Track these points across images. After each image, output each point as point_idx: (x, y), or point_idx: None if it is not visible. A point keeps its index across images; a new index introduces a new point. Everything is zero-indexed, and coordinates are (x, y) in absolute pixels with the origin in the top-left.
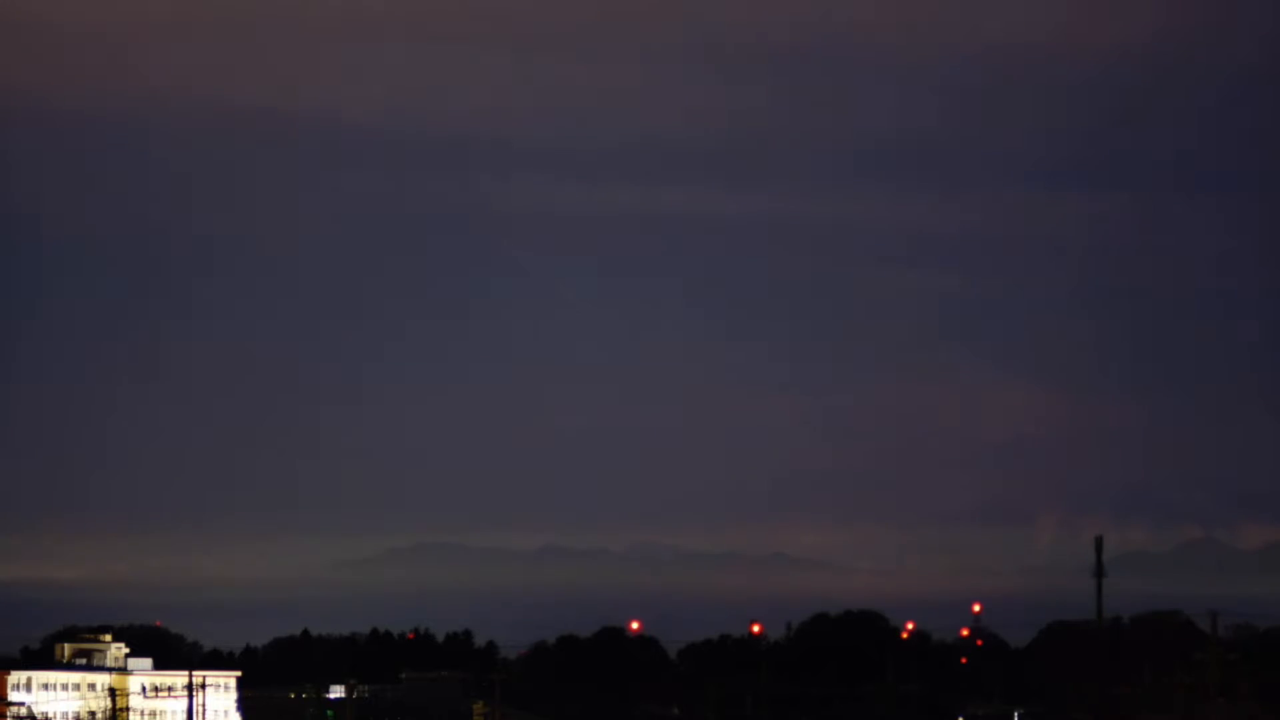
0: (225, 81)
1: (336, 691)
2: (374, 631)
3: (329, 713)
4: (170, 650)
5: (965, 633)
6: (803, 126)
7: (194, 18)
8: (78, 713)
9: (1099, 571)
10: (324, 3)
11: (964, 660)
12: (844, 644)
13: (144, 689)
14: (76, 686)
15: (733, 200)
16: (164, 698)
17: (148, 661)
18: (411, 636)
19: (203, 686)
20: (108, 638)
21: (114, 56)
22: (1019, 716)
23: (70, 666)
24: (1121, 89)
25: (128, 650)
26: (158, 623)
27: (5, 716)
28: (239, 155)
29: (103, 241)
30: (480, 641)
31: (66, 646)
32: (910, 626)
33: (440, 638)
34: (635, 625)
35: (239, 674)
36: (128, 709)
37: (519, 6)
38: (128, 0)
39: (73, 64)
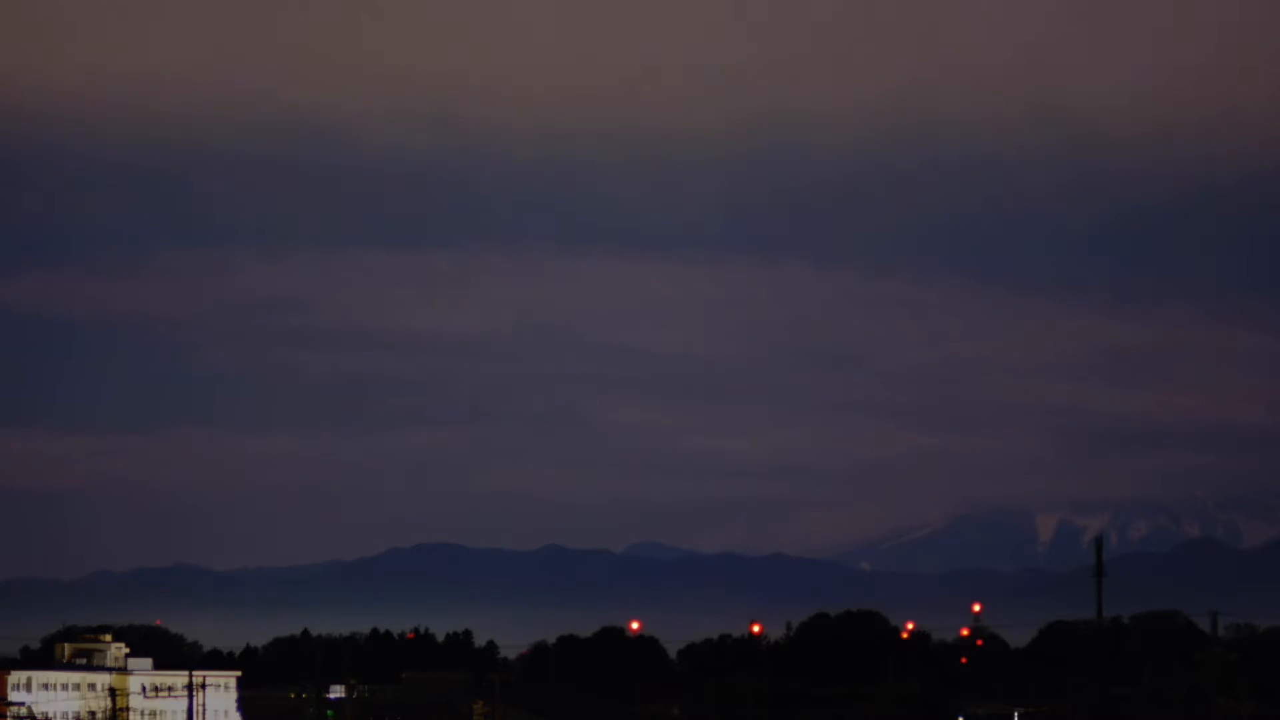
0: None
1: (336, 691)
2: (374, 631)
3: (329, 713)
4: (170, 650)
5: (965, 633)
6: None
7: None
8: (78, 713)
9: (1099, 571)
10: None
11: (964, 660)
12: (844, 643)
13: (144, 689)
14: (76, 686)
15: None
16: (164, 698)
17: (148, 661)
18: (411, 636)
19: (203, 686)
20: (108, 638)
21: None
22: (1019, 716)
23: (70, 666)
24: None
25: (128, 650)
26: (158, 622)
27: (5, 716)
28: None
29: None
30: (480, 641)
31: (66, 646)
32: (910, 626)
33: (440, 638)
34: (635, 625)
35: (239, 674)
36: (128, 709)
37: None
38: None
39: None
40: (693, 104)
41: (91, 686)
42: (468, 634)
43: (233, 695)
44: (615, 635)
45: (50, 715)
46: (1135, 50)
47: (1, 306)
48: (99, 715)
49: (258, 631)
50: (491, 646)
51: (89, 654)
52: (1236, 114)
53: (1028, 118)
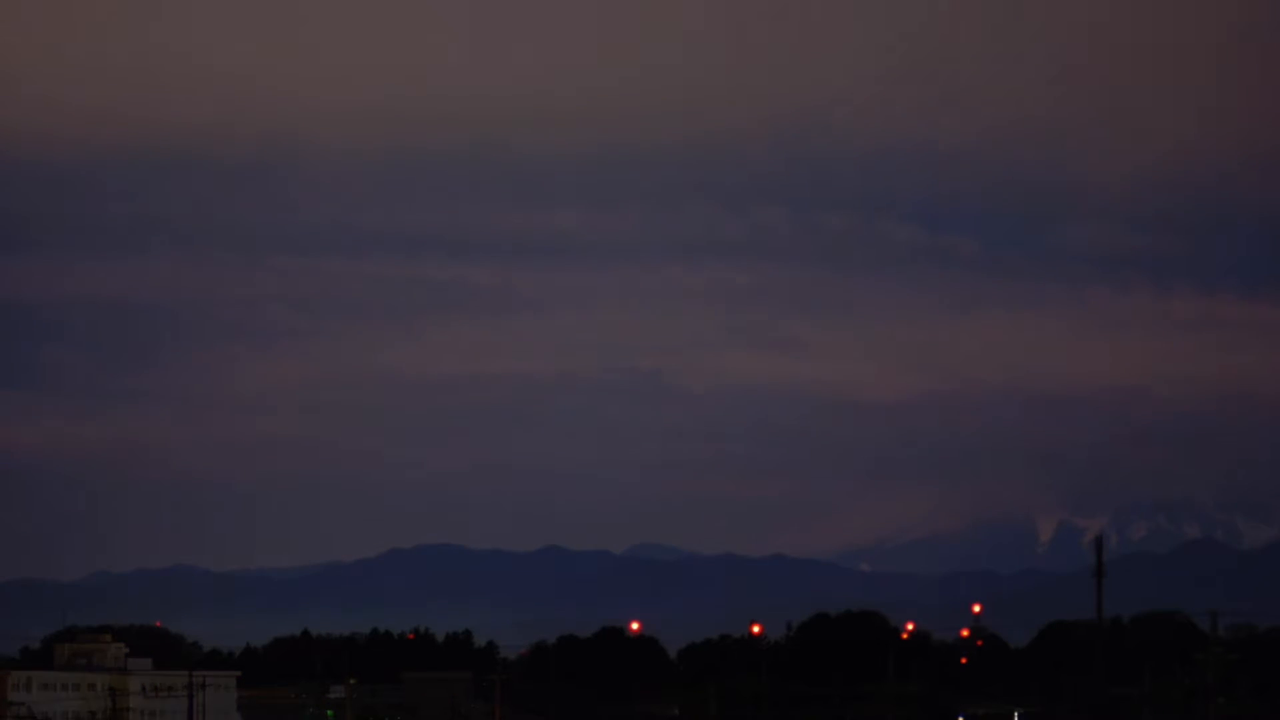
0: None
1: (336, 691)
2: (374, 631)
3: (329, 713)
4: (170, 650)
5: (965, 633)
6: None
7: None
8: (78, 713)
9: (1099, 571)
10: None
11: (964, 660)
12: (844, 644)
13: (144, 689)
14: (76, 687)
15: None
16: (164, 698)
17: (148, 661)
18: (411, 636)
19: (203, 686)
20: (108, 638)
21: None
22: (1019, 716)
23: (70, 667)
24: None
25: (128, 650)
26: (157, 623)
27: (5, 717)
28: None
29: None
30: (480, 641)
31: (66, 647)
32: (910, 626)
33: (440, 638)
34: (635, 625)
35: (239, 674)
36: (128, 709)
37: None
38: None
39: None
40: None
41: (91, 687)
42: (468, 634)
43: (232, 695)
44: (615, 635)
45: (50, 715)
46: None
47: None
48: (99, 716)
49: (258, 631)
50: (491, 646)
51: (89, 654)
52: None
53: None
